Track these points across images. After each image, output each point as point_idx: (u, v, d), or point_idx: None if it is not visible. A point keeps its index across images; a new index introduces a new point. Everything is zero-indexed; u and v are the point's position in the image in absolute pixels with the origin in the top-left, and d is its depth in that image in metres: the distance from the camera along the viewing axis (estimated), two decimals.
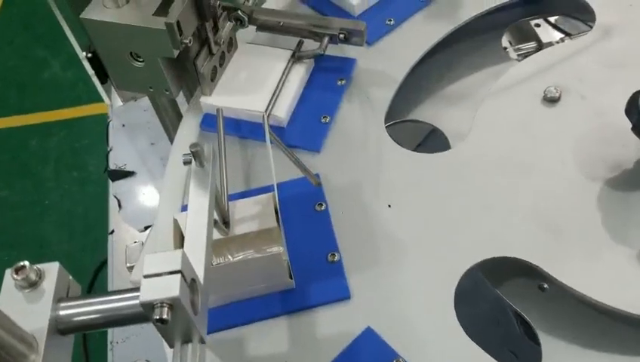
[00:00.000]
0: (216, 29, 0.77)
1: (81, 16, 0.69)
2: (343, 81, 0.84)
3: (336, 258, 0.66)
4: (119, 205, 1.20)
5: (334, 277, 0.65)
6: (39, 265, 0.46)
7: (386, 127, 0.80)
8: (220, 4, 0.75)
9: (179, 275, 0.43)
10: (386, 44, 0.89)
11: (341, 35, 0.83)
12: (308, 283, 0.65)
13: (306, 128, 0.79)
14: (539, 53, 0.86)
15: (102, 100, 1.44)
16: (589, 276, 0.64)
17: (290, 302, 0.64)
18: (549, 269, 0.64)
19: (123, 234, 1.17)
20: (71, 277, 0.48)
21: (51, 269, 0.46)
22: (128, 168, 1.27)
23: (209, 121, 0.80)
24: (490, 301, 0.76)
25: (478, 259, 0.65)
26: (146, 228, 1.17)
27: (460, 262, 0.65)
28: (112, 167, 1.27)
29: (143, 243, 1.14)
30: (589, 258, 0.65)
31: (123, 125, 1.33)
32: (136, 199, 1.22)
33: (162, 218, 0.70)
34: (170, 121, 0.93)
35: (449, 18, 0.90)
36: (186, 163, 0.60)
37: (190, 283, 0.45)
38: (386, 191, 0.72)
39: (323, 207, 0.71)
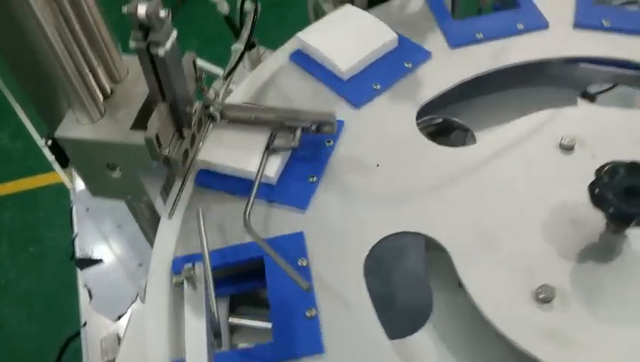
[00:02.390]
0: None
1: (55, 135, 0.68)
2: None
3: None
4: (90, 295, 1.17)
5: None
6: None
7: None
8: (195, 110, 0.75)
9: None
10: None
11: (313, 127, 0.85)
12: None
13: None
14: (586, 106, 0.93)
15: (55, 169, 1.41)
16: (487, 288, 0.71)
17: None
18: (457, 261, 0.73)
19: (95, 325, 1.14)
20: None
21: None
22: (95, 254, 1.24)
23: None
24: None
25: (404, 230, 0.77)
26: (119, 317, 1.15)
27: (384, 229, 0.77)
28: (78, 254, 1.24)
29: (118, 335, 1.11)
30: (494, 274, 0.72)
31: (87, 209, 1.30)
32: (106, 287, 1.19)
33: (152, 337, 0.69)
34: (147, 222, 0.92)
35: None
36: (178, 285, 0.60)
37: None
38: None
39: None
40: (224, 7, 0.96)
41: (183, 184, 0.78)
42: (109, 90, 0.72)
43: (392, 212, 0.79)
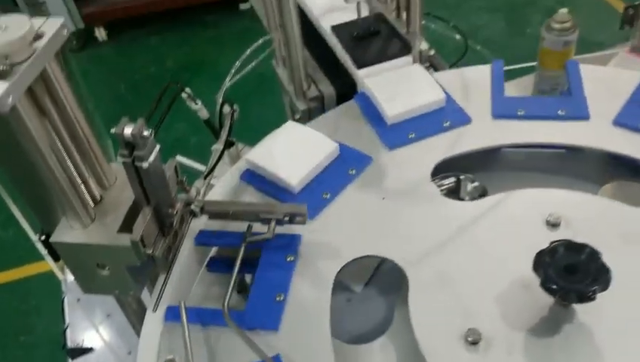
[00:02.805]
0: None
1: (51, 239, 0.76)
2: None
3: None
4: None
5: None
6: None
7: None
8: (177, 211, 0.83)
9: None
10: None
11: (286, 218, 0.92)
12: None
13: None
14: (588, 194, 0.98)
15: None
16: (426, 317, 0.82)
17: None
18: (411, 288, 0.86)
19: None
20: None
21: None
22: (86, 343, 1.29)
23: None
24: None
25: (380, 255, 0.92)
26: None
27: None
28: (69, 344, 1.29)
29: None
30: (437, 307, 0.84)
31: (78, 299, 1.36)
32: None
33: None
34: (134, 313, 0.98)
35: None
36: None
37: None
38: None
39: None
40: (204, 113, 1.06)
41: (166, 278, 0.85)
42: (98, 197, 0.81)
43: (373, 238, 0.94)
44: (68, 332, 1.31)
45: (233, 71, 1.09)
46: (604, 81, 1.16)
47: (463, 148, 1.07)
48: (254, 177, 1.05)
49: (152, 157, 0.72)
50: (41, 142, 0.69)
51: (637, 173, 1.06)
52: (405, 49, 1.20)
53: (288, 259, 0.92)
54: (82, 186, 0.77)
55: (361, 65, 1.18)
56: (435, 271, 0.88)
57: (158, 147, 0.73)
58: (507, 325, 0.82)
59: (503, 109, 1.12)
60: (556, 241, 0.81)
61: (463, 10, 3.27)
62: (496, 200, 0.98)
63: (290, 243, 0.94)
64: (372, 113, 1.13)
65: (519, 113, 1.10)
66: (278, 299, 0.87)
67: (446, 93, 1.15)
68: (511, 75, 1.52)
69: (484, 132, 1.09)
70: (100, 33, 3.42)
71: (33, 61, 0.65)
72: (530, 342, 0.80)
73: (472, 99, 1.15)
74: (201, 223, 0.97)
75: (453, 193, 1.25)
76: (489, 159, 1.12)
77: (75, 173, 0.75)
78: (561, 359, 0.78)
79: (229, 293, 0.84)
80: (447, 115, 1.11)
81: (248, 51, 1.11)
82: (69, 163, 0.74)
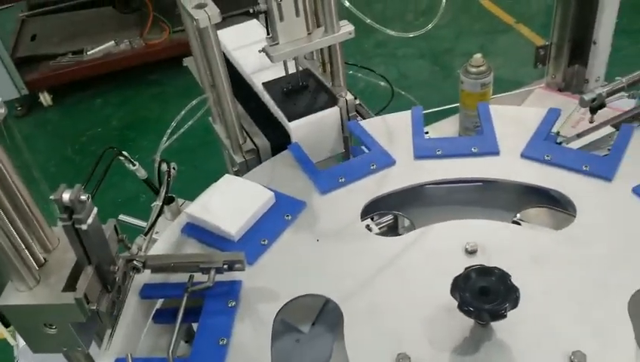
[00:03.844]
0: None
1: None
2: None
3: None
4: None
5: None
6: None
7: None
8: (118, 268, 0.89)
9: None
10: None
11: (225, 266, 0.98)
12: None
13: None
14: (498, 222, 1.09)
15: None
16: (361, 345, 0.90)
17: None
18: (346, 320, 0.93)
19: None
20: None
21: None
22: None
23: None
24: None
25: (316, 293, 0.99)
26: None
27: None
28: None
29: None
30: (370, 335, 0.92)
31: None
32: None
33: None
34: None
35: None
36: None
37: None
38: None
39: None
40: (142, 173, 1.13)
41: (112, 331, 0.90)
42: (42, 260, 0.86)
43: (309, 278, 1.01)
44: None
45: (169, 131, 1.16)
46: (513, 118, 1.28)
47: (389, 188, 1.16)
48: (195, 230, 1.11)
49: (90, 220, 0.77)
50: None
51: (546, 200, 1.18)
52: (332, 101, 1.30)
53: (230, 305, 0.98)
54: (26, 251, 0.82)
55: (291, 118, 1.27)
56: (366, 303, 0.96)
57: (95, 209, 0.79)
58: (434, 347, 0.90)
59: (423, 150, 1.22)
60: (470, 267, 0.90)
61: (397, 57, 3.44)
62: (419, 234, 1.07)
63: (231, 289, 1.00)
64: (305, 161, 1.22)
65: (438, 153, 1.21)
66: (221, 343, 0.92)
67: (372, 137, 1.25)
68: (445, 114, 1.64)
69: (407, 172, 1.19)
70: (45, 98, 3.45)
71: None
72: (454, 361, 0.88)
73: (395, 142, 1.25)
74: (145, 277, 1.02)
75: (392, 229, 1.34)
76: (414, 196, 1.21)
77: (18, 240, 0.80)
78: None
79: (172, 342, 0.89)
80: (373, 159, 1.21)
81: (183, 112, 1.19)
82: (11, 230, 0.79)
